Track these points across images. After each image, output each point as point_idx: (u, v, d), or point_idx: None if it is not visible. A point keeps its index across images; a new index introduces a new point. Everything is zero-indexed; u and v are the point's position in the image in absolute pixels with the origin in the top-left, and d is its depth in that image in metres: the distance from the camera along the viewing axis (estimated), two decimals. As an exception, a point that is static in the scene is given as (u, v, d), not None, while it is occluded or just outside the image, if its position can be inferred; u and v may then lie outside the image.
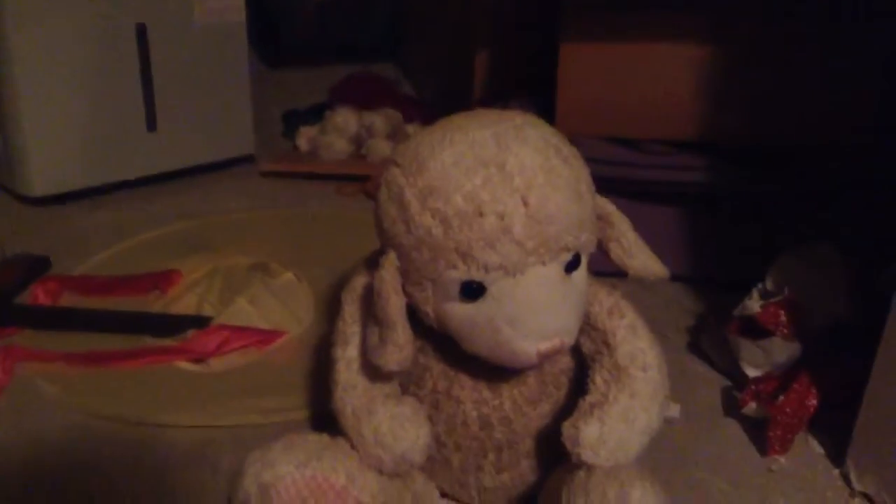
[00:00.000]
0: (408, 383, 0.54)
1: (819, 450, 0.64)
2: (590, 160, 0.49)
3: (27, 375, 0.71)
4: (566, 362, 0.53)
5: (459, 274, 0.45)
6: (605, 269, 0.52)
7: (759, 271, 0.70)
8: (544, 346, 0.46)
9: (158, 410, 0.67)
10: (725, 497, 0.59)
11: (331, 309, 0.81)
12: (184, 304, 0.82)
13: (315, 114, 1.29)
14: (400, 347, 0.47)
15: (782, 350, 0.67)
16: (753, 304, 0.68)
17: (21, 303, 0.84)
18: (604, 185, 0.51)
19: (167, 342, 0.76)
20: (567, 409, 0.51)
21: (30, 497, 0.58)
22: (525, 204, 0.44)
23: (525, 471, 0.54)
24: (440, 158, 0.45)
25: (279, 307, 0.80)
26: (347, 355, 0.52)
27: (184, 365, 0.74)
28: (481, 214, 0.44)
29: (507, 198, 0.44)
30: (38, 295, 0.84)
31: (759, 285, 0.69)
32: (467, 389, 0.52)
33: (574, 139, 0.49)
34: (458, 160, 0.44)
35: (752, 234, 0.82)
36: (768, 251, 0.71)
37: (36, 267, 0.91)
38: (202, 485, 0.59)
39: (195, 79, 1.16)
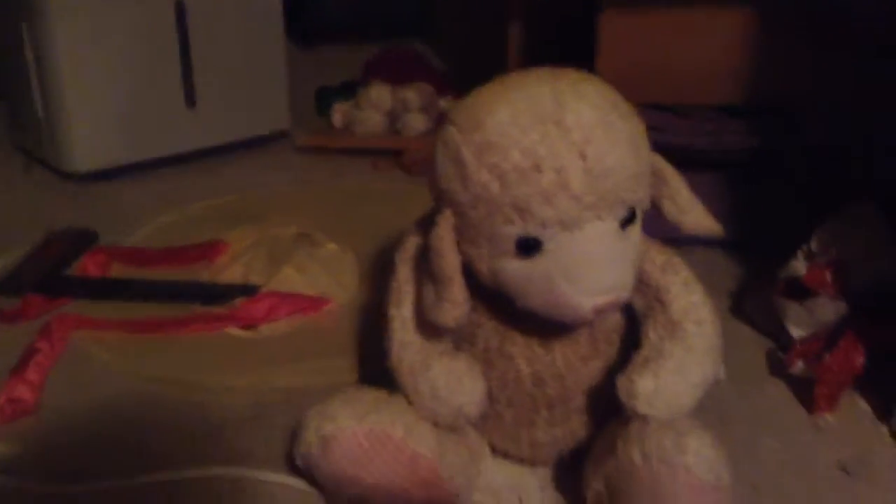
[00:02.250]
0: (461, 341, 0.55)
1: (865, 407, 0.65)
2: None
3: (81, 344, 0.74)
4: (617, 319, 0.54)
5: (516, 230, 0.46)
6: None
7: (803, 234, 0.70)
8: (601, 300, 0.46)
9: (212, 374, 0.69)
10: (773, 454, 0.60)
11: (374, 276, 0.82)
12: (231, 274, 0.84)
13: (348, 90, 1.29)
14: (456, 304, 0.48)
15: (828, 309, 0.67)
16: (799, 266, 0.68)
17: (72, 274, 0.86)
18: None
19: (217, 310, 0.78)
20: (618, 366, 0.52)
21: (90, 460, 0.60)
22: (583, 158, 0.44)
23: (576, 426, 0.55)
24: (497, 115, 0.45)
25: (324, 275, 0.82)
26: (402, 314, 0.53)
27: (234, 331, 0.76)
28: (539, 170, 0.44)
29: (565, 153, 0.44)
30: (87, 267, 0.87)
31: (804, 247, 0.69)
32: (519, 346, 0.53)
33: None
34: (515, 116, 0.45)
35: (793, 198, 0.82)
36: (811, 214, 0.71)
37: (84, 240, 0.93)
38: (258, 442, 0.61)
39: (232, 56, 1.17)
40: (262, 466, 0.58)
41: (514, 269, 0.48)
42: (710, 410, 0.63)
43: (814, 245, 0.69)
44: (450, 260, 0.48)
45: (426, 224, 0.51)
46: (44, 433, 0.63)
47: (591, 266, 0.46)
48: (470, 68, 1.37)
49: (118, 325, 0.76)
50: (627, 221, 0.47)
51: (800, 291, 0.68)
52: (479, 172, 0.46)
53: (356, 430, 0.50)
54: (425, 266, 0.50)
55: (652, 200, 0.50)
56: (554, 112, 0.45)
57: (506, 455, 0.57)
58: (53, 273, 0.86)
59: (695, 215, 0.50)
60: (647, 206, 0.49)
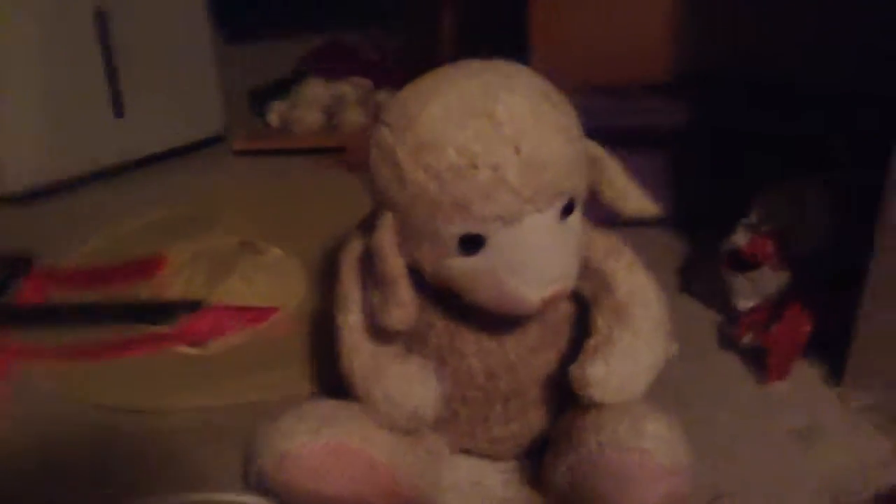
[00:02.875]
0: (411, 342, 0.54)
1: (816, 373, 0.66)
2: None
3: (23, 373, 0.71)
4: (567, 308, 0.54)
5: (457, 228, 0.45)
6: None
7: (745, 207, 0.71)
8: (548, 292, 0.46)
9: (160, 396, 0.67)
10: (728, 427, 0.61)
11: (322, 280, 0.81)
12: (173, 290, 0.81)
13: (283, 88, 1.27)
14: (403, 306, 0.47)
15: (772, 280, 0.68)
16: (740, 238, 0.69)
17: (8, 302, 0.83)
18: (588, 136, 0.51)
19: (161, 329, 0.76)
20: (571, 354, 0.52)
21: (38, 490, 0.58)
22: (518, 152, 0.44)
23: (533, 419, 0.54)
24: (428, 113, 0.45)
25: (270, 283, 0.80)
26: (350, 320, 0.53)
27: (181, 349, 0.74)
28: (475, 167, 0.44)
29: (500, 148, 0.44)
30: (24, 293, 0.83)
31: (745, 220, 0.70)
32: (471, 342, 0.53)
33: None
34: (447, 113, 0.44)
35: (734, 171, 0.83)
36: (752, 186, 0.72)
37: (18, 265, 0.89)
38: (211, 463, 0.60)
39: (159, 61, 1.13)
40: (219, 487, 0.57)
41: (459, 267, 0.47)
42: (665, 389, 0.63)
43: (754, 217, 0.70)
44: (393, 263, 0.47)
45: (368, 226, 0.51)
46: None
47: (534, 258, 0.46)
48: (406, 57, 1.35)
49: (60, 352, 0.73)
50: (567, 211, 0.47)
51: (743, 264, 0.69)
52: (415, 173, 0.45)
53: (312, 445, 0.49)
54: (370, 270, 0.50)
55: (590, 187, 0.50)
56: (485, 106, 0.44)
57: (468, 452, 0.57)
58: (-10, 303, 0.83)
59: (633, 199, 0.51)
60: (586, 193, 0.49)
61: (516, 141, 0.44)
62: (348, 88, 1.19)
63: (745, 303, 0.69)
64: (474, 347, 0.53)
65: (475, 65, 0.47)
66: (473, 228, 0.45)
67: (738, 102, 0.83)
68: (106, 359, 0.72)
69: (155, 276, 0.85)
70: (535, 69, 0.86)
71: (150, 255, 0.87)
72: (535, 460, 0.54)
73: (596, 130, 0.68)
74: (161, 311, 0.78)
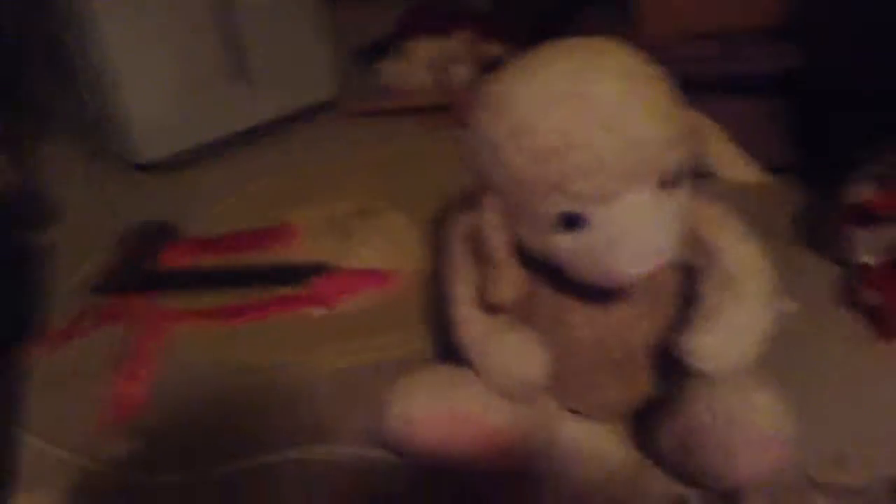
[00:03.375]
0: (521, 312, 0.56)
1: (943, 330, 0.63)
2: (677, 60, 0.49)
3: (175, 337, 0.78)
4: (673, 276, 0.54)
5: (556, 207, 0.47)
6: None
7: (862, 155, 0.68)
8: (644, 267, 0.47)
9: (295, 354, 0.73)
10: (849, 386, 0.60)
11: (440, 243, 0.83)
12: (303, 254, 0.87)
13: (387, 47, 1.28)
14: (511, 283, 0.50)
15: (898, 233, 0.65)
16: (865, 190, 0.66)
17: (159, 269, 0.91)
18: (694, 84, 0.50)
19: (293, 291, 0.82)
20: (679, 321, 0.53)
21: (198, 449, 0.64)
22: (611, 131, 0.44)
23: (641, 384, 0.56)
24: (523, 97, 0.46)
25: (390, 246, 0.84)
26: (461, 293, 0.55)
27: (311, 311, 0.79)
28: (570, 147, 0.45)
29: (594, 128, 0.44)
30: (170, 260, 0.91)
31: (866, 169, 0.67)
32: (579, 313, 0.54)
33: (659, 40, 0.49)
34: (540, 97, 0.45)
35: (849, 119, 0.78)
36: (869, 135, 0.68)
37: (162, 234, 0.97)
38: (338, 419, 0.65)
39: (276, 28, 1.17)
40: (352, 442, 0.62)
41: (560, 244, 0.49)
42: (783, 346, 0.63)
43: (880, 168, 0.66)
44: (498, 244, 0.49)
45: (472, 204, 0.53)
46: (156, 428, 0.67)
47: (631, 236, 0.46)
48: (511, 7, 1.34)
49: (202, 315, 0.80)
50: (669, 184, 0.47)
51: (868, 217, 0.66)
52: (512, 156, 0.46)
53: (437, 412, 0.53)
54: (477, 249, 0.52)
55: (697, 157, 0.50)
56: (578, 88, 0.45)
57: (577, 414, 0.59)
58: (140, 270, 0.91)
59: (739, 167, 0.50)
60: (691, 164, 0.49)
61: (609, 120, 0.44)
62: (454, 43, 1.19)
63: (869, 258, 0.67)
64: (582, 317, 0.54)
65: (567, 45, 0.48)
66: (571, 207, 0.46)
67: (841, 53, 0.78)
68: (243, 321, 0.79)
69: (289, 243, 0.91)
70: (642, 18, 0.85)
71: (281, 223, 0.92)
72: (643, 423, 0.56)
73: (704, 78, 0.66)
74: (292, 275, 0.84)
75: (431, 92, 1.20)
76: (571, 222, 0.47)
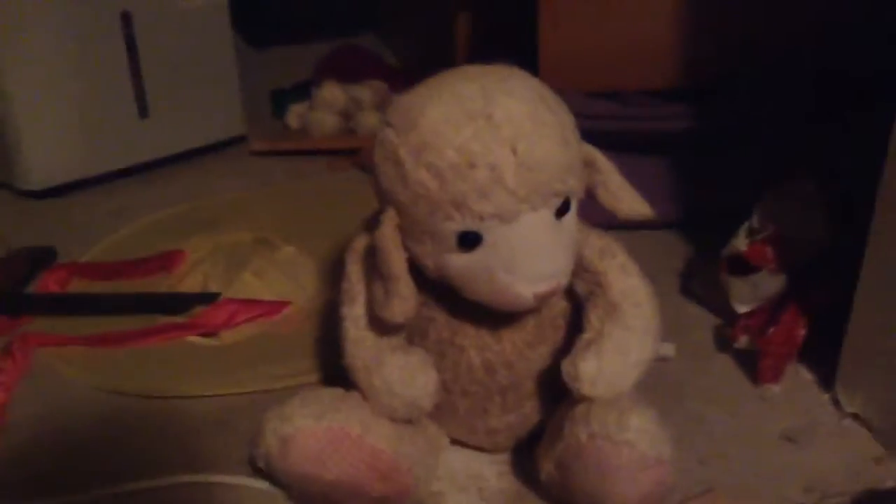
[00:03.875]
0: (413, 335, 0.56)
1: (809, 377, 0.67)
2: (575, 115, 0.51)
3: (46, 360, 0.74)
4: (562, 305, 0.56)
5: (456, 225, 0.47)
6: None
7: (748, 209, 0.73)
8: (541, 288, 0.48)
9: (175, 383, 0.70)
10: (721, 426, 0.62)
11: (333, 277, 0.83)
12: (190, 283, 0.84)
13: (303, 91, 1.29)
14: (404, 299, 0.50)
15: (770, 283, 0.69)
16: (740, 243, 0.71)
17: (32, 292, 0.86)
18: (588, 140, 0.53)
19: (178, 319, 0.79)
20: (565, 349, 0.54)
21: (60, 474, 0.60)
22: (514, 153, 0.46)
23: (529, 411, 0.56)
24: (430, 115, 0.47)
25: (283, 279, 0.83)
26: (354, 313, 0.55)
27: (196, 339, 0.76)
28: (473, 166, 0.46)
29: (497, 148, 0.46)
30: (47, 284, 0.87)
31: (746, 224, 0.72)
32: (470, 337, 0.55)
33: (557, 95, 0.51)
34: (447, 115, 0.47)
35: (736, 174, 0.84)
36: (755, 191, 0.73)
37: (42, 258, 0.93)
38: (224, 448, 0.62)
39: (183, 63, 1.17)
40: (228, 471, 0.59)
41: (458, 263, 0.49)
42: (662, 387, 0.66)
43: (755, 221, 0.71)
44: (395, 258, 0.50)
45: (373, 223, 0.53)
46: (11, 451, 0.63)
47: (529, 256, 0.48)
48: (422, 61, 1.38)
49: (81, 340, 0.76)
50: (562, 211, 0.49)
51: (743, 267, 0.70)
52: (416, 171, 0.47)
53: (314, 430, 0.51)
54: (373, 264, 0.52)
55: (587, 189, 0.52)
56: (484, 108, 0.46)
57: (464, 444, 0.59)
58: (13, 292, 0.86)
59: (628, 201, 0.52)
60: (581, 194, 0.51)
61: (513, 142, 0.46)
62: (365, 92, 1.22)
63: (743, 306, 0.70)
64: (473, 342, 0.55)
65: (474, 69, 0.49)
66: (471, 226, 0.47)
67: (740, 107, 0.85)
68: (124, 347, 0.75)
69: (175, 269, 0.88)
70: (543, 75, 0.89)
71: (170, 249, 0.90)
72: (529, 454, 0.56)
73: (597, 134, 0.70)
74: (178, 303, 0.81)
75: (339, 136, 1.21)
76: (470, 241, 0.48)
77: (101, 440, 0.64)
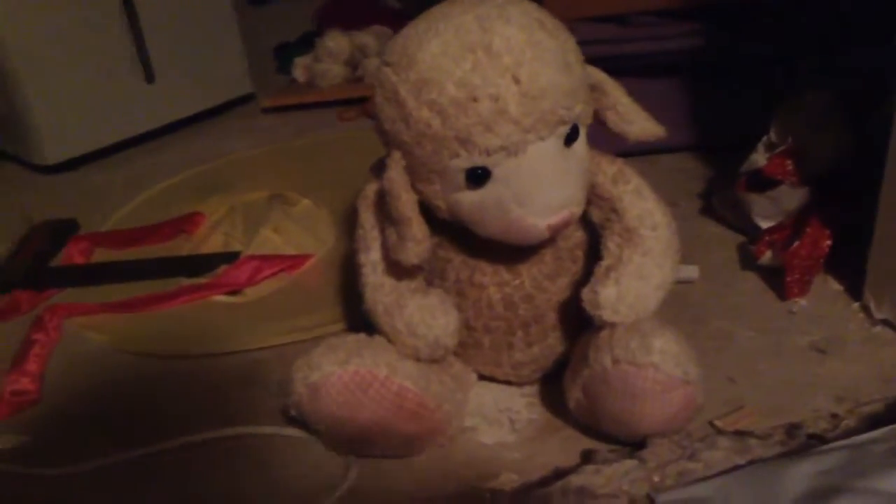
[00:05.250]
0: (432, 277, 0.56)
1: (838, 287, 0.66)
2: (583, 43, 0.50)
3: (75, 329, 0.75)
4: (579, 236, 0.55)
5: (463, 162, 0.47)
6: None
7: (762, 128, 0.71)
8: (553, 219, 0.47)
9: (203, 342, 0.71)
10: (750, 342, 0.62)
11: (350, 227, 0.83)
12: (211, 244, 0.85)
13: (306, 43, 1.28)
14: (418, 241, 0.49)
15: (791, 197, 0.68)
16: (759, 158, 0.69)
17: (57, 265, 0.88)
18: (597, 66, 0.51)
19: (201, 280, 0.79)
20: (585, 280, 0.53)
21: (97, 438, 0.62)
22: (516, 82, 0.45)
23: (553, 342, 0.56)
24: (427, 50, 0.46)
25: (302, 232, 0.83)
26: (371, 259, 0.55)
27: (221, 298, 0.77)
28: (475, 99, 0.45)
29: (498, 79, 0.45)
30: (72, 255, 0.88)
31: (764, 139, 0.70)
32: (488, 274, 0.54)
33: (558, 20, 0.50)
34: (444, 49, 0.45)
35: (750, 94, 0.82)
36: (769, 107, 0.71)
37: (65, 229, 0.94)
38: (255, 401, 0.63)
39: (184, 26, 1.16)
40: (261, 422, 0.60)
41: (469, 201, 0.49)
42: (688, 307, 0.65)
43: (772, 136, 0.69)
44: (405, 200, 0.49)
45: (380, 168, 0.52)
46: (49, 420, 0.65)
47: (539, 186, 0.47)
48: (421, 4, 1.35)
49: (108, 307, 0.77)
50: (571, 138, 0.48)
51: (762, 183, 0.69)
52: (418, 110, 0.46)
53: (341, 375, 0.52)
54: (385, 209, 0.52)
55: (595, 113, 0.51)
56: (482, 39, 0.45)
57: (492, 379, 0.60)
58: (39, 266, 0.88)
59: (639, 122, 0.51)
60: (590, 120, 0.50)
61: (514, 71, 0.45)
62: (369, 38, 1.20)
63: (765, 222, 0.69)
64: (493, 279, 0.54)
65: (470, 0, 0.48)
66: (478, 161, 0.46)
67: (743, 27, 0.82)
68: (150, 311, 0.76)
69: (195, 232, 0.88)
70: (548, 2, 0.86)
71: (188, 212, 0.90)
72: (556, 384, 0.57)
73: (607, 59, 0.68)
74: (201, 264, 0.82)
75: (346, 85, 1.20)
76: (478, 177, 0.47)
77: (135, 402, 0.66)
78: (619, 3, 0.83)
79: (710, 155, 0.86)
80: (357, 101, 1.16)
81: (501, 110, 0.45)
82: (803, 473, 0.44)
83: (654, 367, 0.46)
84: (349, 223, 0.84)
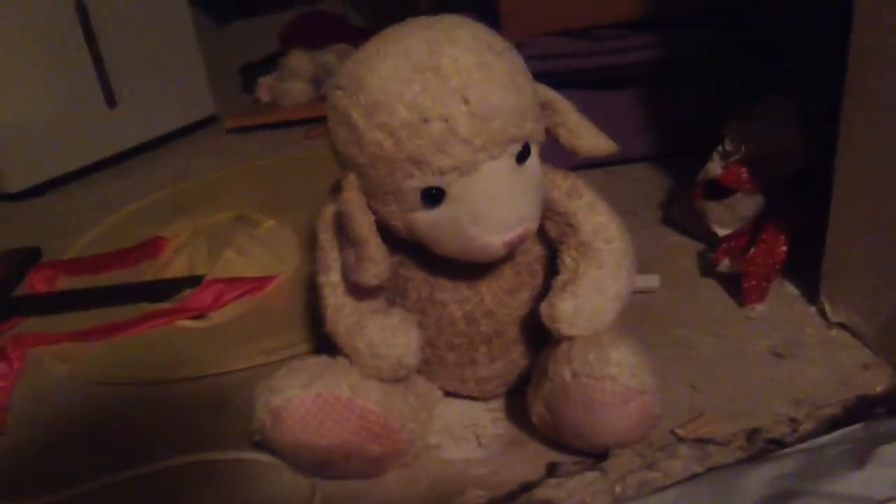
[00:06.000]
0: (393, 296, 0.56)
1: (795, 292, 0.67)
2: (542, 57, 0.50)
3: (39, 359, 0.74)
4: (537, 250, 0.56)
5: (417, 182, 0.47)
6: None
7: (718, 136, 0.72)
8: (509, 236, 0.48)
9: (170, 368, 0.70)
10: (710, 349, 0.63)
11: (314, 248, 0.83)
12: (175, 268, 0.84)
13: (270, 63, 1.28)
14: (376, 262, 0.49)
15: (748, 204, 0.69)
16: (715, 167, 0.70)
17: (20, 294, 0.87)
18: (559, 79, 0.52)
19: (165, 305, 0.79)
20: (545, 293, 0.54)
21: (65, 468, 0.61)
22: (466, 103, 0.45)
23: (516, 356, 0.57)
24: (377, 73, 0.46)
25: (266, 253, 0.83)
26: (331, 280, 0.55)
27: (185, 323, 0.77)
28: (426, 121, 0.45)
29: (448, 100, 0.45)
30: (35, 284, 0.87)
31: (719, 148, 0.71)
32: (449, 291, 0.55)
33: (522, 39, 0.50)
34: (394, 71, 0.46)
35: (709, 103, 0.83)
36: (726, 114, 0.73)
37: (28, 258, 0.93)
38: (224, 425, 0.63)
39: (145, 49, 1.16)
40: (231, 447, 0.60)
41: (425, 220, 0.49)
42: (649, 316, 0.66)
43: (727, 144, 0.71)
44: (361, 221, 0.49)
45: (338, 189, 0.53)
46: (14, 451, 0.64)
47: (493, 205, 0.47)
48: (387, 19, 1.36)
49: (71, 335, 0.77)
50: (523, 156, 0.49)
51: (719, 191, 0.70)
52: (370, 132, 0.47)
53: (303, 399, 0.52)
54: (342, 230, 0.52)
55: (547, 130, 0.52)
56: (430, 61, 0.46)
57: (458, 395, 0.60)
58: (2, 295, 0.87)
59: (588, 138, 0.52)
60: (542, 137, 0.51)
61: (463, 92, 0.45)
62: (331, 57, 1.20)
63: (723, 229, 0.70)
64: (453, 296, 0.55)
65: (419, 21, 0.49)
66: (432, 181, 0.47)
67: (701, 34, 0.83)
68: (115, 338, 0.76)
69: (158, 256, 0.88)
70: (505, 18, 0.87)
71: (151, 237, 0.90)
72: (522, 397, 0.57)
73: (568, 73, 0.68)
74: (165, 289, 0.81)
75: (310, 104, 1.20)
76: (433, 197, 0.48)
77: (101, 431, 0.65)
78: (578, 18, 0.84)
79: (671, 164, 0.88)
80: (322, 120, 1.16)
81: (452, 131, 0.45)
82: (760, 478, 0.45)
83: (611, 379, 0.47)
84: (313, 243, 0.85)
